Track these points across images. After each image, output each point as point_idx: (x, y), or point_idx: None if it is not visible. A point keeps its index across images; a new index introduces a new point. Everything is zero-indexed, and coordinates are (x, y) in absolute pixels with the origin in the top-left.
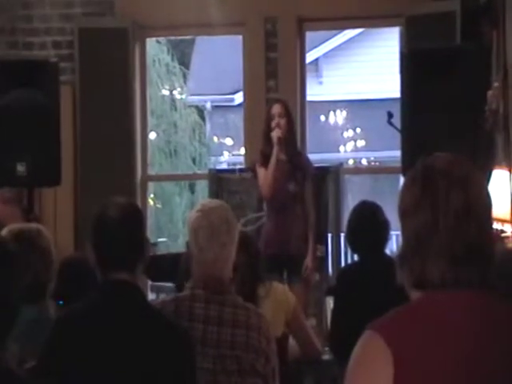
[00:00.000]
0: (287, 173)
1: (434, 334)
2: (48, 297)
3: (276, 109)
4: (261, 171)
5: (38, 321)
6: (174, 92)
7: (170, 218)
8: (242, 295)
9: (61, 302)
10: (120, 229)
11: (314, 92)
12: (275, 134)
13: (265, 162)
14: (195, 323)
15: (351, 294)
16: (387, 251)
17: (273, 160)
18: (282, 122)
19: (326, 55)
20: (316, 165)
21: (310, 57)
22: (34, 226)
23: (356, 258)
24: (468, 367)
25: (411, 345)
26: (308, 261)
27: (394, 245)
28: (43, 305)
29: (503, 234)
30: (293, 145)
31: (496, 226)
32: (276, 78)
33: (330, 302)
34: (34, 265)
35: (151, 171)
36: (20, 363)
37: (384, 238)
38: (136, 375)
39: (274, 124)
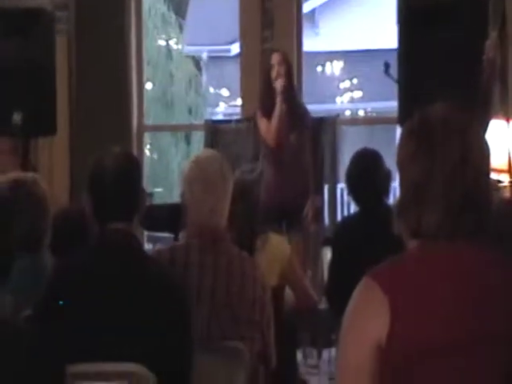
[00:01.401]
0: (288, 123)
1: (429, 282)
2: (44, 246)
3: (275, 58)
4: (263, 122)
5: (33, 270)
6: (170, 42)
7: (166, 169)
8: (240, 245)
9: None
10: (116, 179)
11: (311, 43)
12: (279, 84)
13: (266, 112)
14: (190, 272)
15: (351, 244)
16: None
17: (277, 110)
18: (282, 70)
19: (322, 6)
20: (312, 116)
21: (306, 7)
22: (30, 175)
23: (353, 209)
24: (464, 313)
25: (408, 292)
26: (308, 209)
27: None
28: (39, 254)
29: (500, 184)
30: (292, 94)
31: (493, 176)
32: (272, 28)
33: (326, 253)
34: (30, 213)
35: (147, 121)
36: (15, 312)
37: (386, 189)
38: (132, 322)
39: (274, 73)
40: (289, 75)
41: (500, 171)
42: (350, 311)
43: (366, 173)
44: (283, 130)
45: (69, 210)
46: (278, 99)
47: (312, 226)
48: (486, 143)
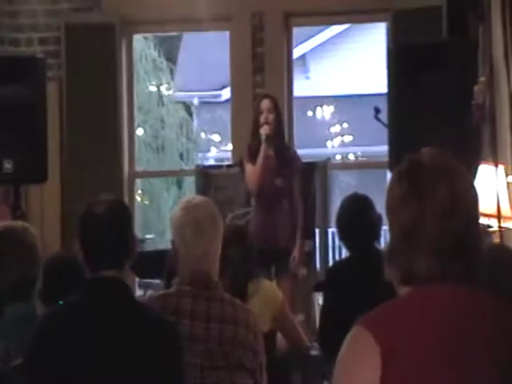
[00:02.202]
0: (275, 168)
1: (421, 327)
2: (35, 294)
3: (265, 104)
4: (248, 166)
5: (24, 318)
6: (161, 88)
7: (158, 214)
8: (234, 289)
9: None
10: (107, 226)
11: (301, 87)
12: (263, 132)
13: (252, 157)
14: (182, 319)
15: (342, 290)
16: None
17: (261, 156)
18: (271, 117)
19: (312, 50)
20: (303, 160)
21: (296, 52)
22: (19, 223)
23: (344, 253)
24: (456, 360)
25: (399, 338)
26: (295, 253)
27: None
28: (30, 302)
29: (490, 229)
30: (281, 140)
31: (483, 220)
32: (263, 73)
33: (318, 298)
34: (20, 262)
35: (138, 167)
36: (6, 361)
37: (377, 233)
38: (123, 371)
39: (262, 119)
40: (278, 122)
41: (489, 216)
42: (341, 358)
43: (357, 218)
44: (267, 174)
45: (59, 258)
46: (263, 146)
47: (300, 270)
48: (475, 188)
